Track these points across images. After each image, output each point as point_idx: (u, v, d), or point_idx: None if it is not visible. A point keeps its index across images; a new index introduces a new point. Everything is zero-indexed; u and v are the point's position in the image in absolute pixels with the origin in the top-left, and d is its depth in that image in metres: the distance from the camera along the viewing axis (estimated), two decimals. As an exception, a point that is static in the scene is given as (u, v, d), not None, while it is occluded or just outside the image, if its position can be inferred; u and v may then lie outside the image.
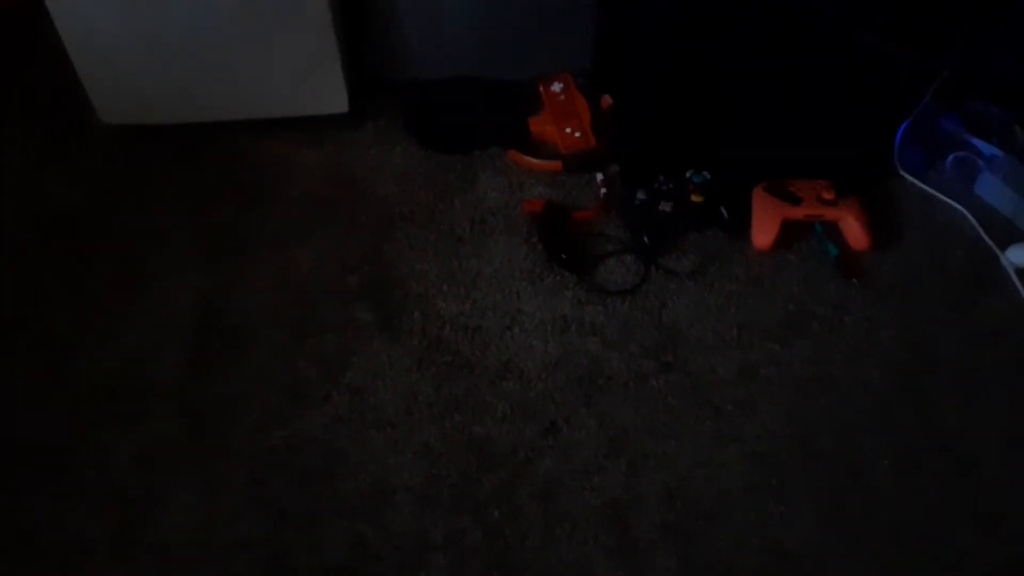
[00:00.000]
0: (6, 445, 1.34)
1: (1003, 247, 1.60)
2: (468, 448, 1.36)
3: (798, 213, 1.59)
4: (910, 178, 1.71)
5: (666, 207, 1.59)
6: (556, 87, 1.76)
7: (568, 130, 1.70)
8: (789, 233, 1.59)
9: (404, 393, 1.43)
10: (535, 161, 1.71)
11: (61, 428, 1.36)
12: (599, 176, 1.67)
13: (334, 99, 1.74)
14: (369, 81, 1.79)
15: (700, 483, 1.33)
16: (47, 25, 1.54)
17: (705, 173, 1.62)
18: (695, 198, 1.60)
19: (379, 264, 1.59)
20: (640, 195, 1.61)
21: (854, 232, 1.59)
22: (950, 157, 1.72)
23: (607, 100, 1.73)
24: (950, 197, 1.67)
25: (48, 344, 1.45)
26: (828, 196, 1.60)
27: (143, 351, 1.44)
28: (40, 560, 1.23)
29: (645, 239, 1.58)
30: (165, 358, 1.44)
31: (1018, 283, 1.55)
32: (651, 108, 1.68)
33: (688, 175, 1.62)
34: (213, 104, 1.71)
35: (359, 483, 1.32)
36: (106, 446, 1.34)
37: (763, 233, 1.59)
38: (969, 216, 1.65)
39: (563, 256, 1.57)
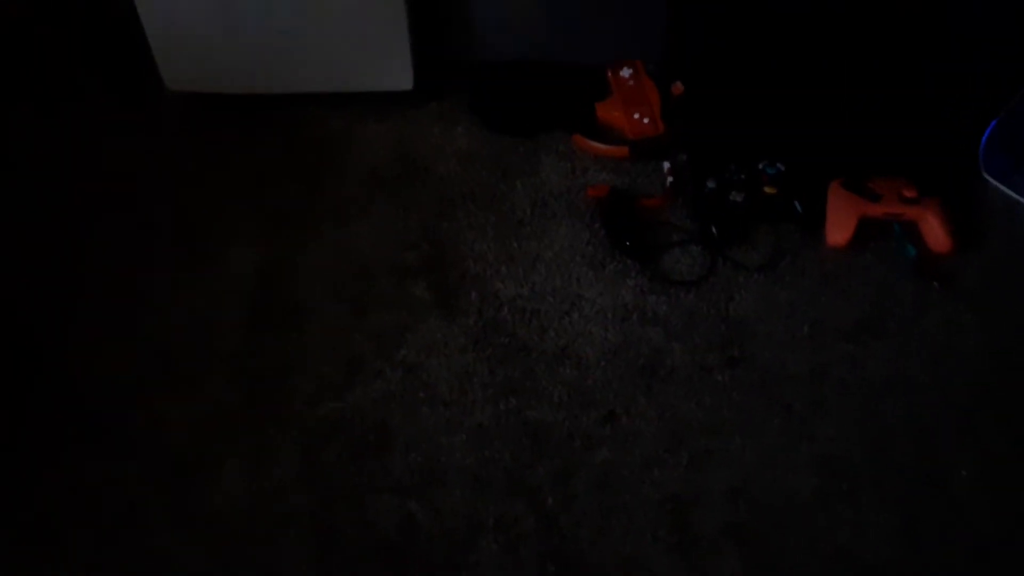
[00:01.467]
0: (65, 406, 1.33)
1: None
2: (523, 432, 1.32)
3: (877, 211, 1.51)
4: (994, 182, 1.63)
5: (737, 197, 1.53)
6: (625, 72, 1.72)
7: (636, 116, 1.66)
8: (865, 231, 1.52)
9: (459, 373, 1.39)
10: (601, 146, 1.66)
11: (118, 391, 1.35)
12: (666, 164, 1.62)
13: (400, 76, 1.72)
14: (435, 60, 1.76)
15: (767, 484, 1.26)
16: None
17: (779, 164, 1.56)
18: (768, 189, 1.54)
19: (438, 243, 1.56)
20: (710, 184, 1.55)
21: (935, 233, 1.51)
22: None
23: (678, 87, 1.68)
24: (1038, 203, 1.58)
25: (109, 308, 1.45)
26: (909, 194, 1.52)
27: (201, 319, 1.43)
28: (92, 521, 1.21)
29: (713, 229, 1.52)
30: (223, 326, 1.42)
31: (1112, 294, 1.46)
32: (724, 95, 1.62)
33: (761, 166, 1.56)
34: (279, 76, 1.70)
35: (410, 461, 1.29)
36: (162, 411, 1.32)
37: (839, 229, 1.52)
38: (1058, 224, 1.56)
39: (627, 243, 1.52)
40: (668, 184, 1.60)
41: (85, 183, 1.61)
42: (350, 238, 1.56)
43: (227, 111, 1.71)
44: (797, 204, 1.54)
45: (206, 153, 1.67)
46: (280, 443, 1.29)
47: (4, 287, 1.46)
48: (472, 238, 1.57)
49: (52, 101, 1.70)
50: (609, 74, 1.72)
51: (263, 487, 1.24)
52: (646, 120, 1.65)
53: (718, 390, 1.37)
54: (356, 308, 1.47)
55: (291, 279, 1.50)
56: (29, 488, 1.25)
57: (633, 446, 1.31)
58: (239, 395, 1.35)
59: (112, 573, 1.17)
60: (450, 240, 1.56)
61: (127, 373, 1.37)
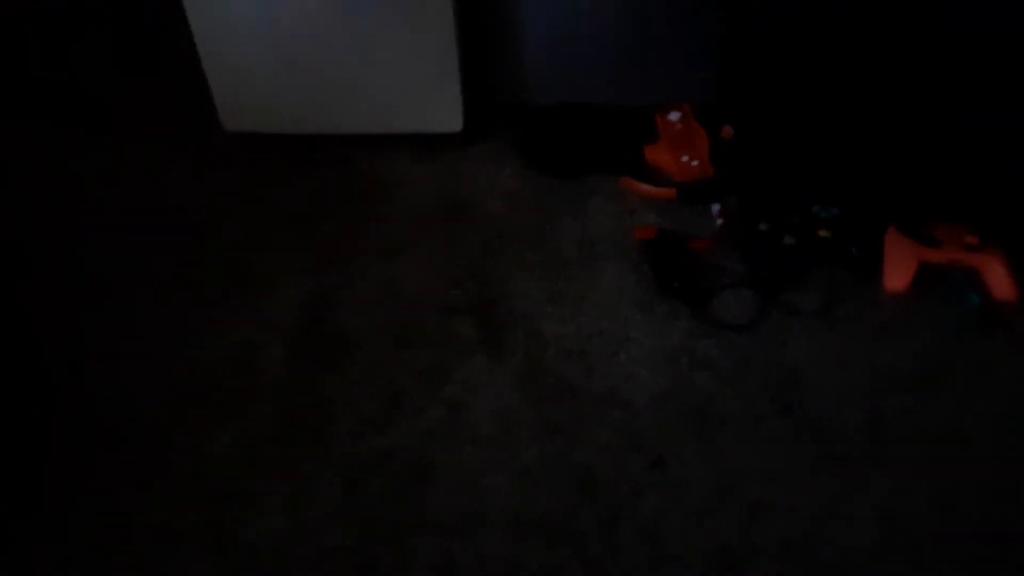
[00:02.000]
0: (107, 431, 1.33)
1: None
2: (568, 475, 1.28)
3: (939, 257, 1.47)
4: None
5: (790, 240, 1.50)
6: (674, 116, 1.72)
7: (685, 159, 1.65)
8: (924, 278, 1.47)
9: (503, 412, 1.36)
10: (649, 187, 1.65)
11: (161, 418, 1.35)
12: (716, 207, 1.60)
13: (449, 118, 1.75)
14: (483, 102, 1.79)
15: (823, 538, 1.20)
16: (183, 32, 1.61)
17: (834, 208, 1.53)
18: (822, 233, 1.51)
19: (483, 281, 1.55)
20: (762, 227, 1.53)
21: (1000, 280, 1.46)
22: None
23: (728, 130, 1.68)
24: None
25: (156, 335, 1.46)
26: (971, 241, 1.48)
27: (246, 349, 1.43)
28: (130, 548, 1.20)
29: (766, 273, 1.49)
30: (267, 358, 1.42)
31: None
32: (777, 139, 1.61)
33: (815, 209, 1.53)
34: (332, 118, 1.74)
35: (452, 500, 1.25)
36: (203, 440, 1.32)
37: (898, 275, 1.47)
38: None
39: (675, 285, 1.49)
40: (718, 227, 1.58)
41: (142, 214, 1.65)
42: (396, 275, 1.57)
43: (279, 151, 1.74)
44: (853, 248, 1.50)
45: (258, 189, 1.70)
46: (321, 476, 1.27)
47: (56, 311, 1.49)
48: (518, 277, 1.56)
49: (115, 138, 1.75)
50: (658, 117, 1.72)
51: (302, 520, 1.22)
52: (694, 163, 1.64)
53: (771, 438, 1.32)
54: (400, 344, 1.46)
55: (336, 313, 1.50)
56: (65, 512, 1.24)
57: (683, 494, 1.26)
58: (281, 426, 1.34)
59: (147, 605, 1.15)
60: (496, 279, 1.56)
61: (171, 399, 1.37)
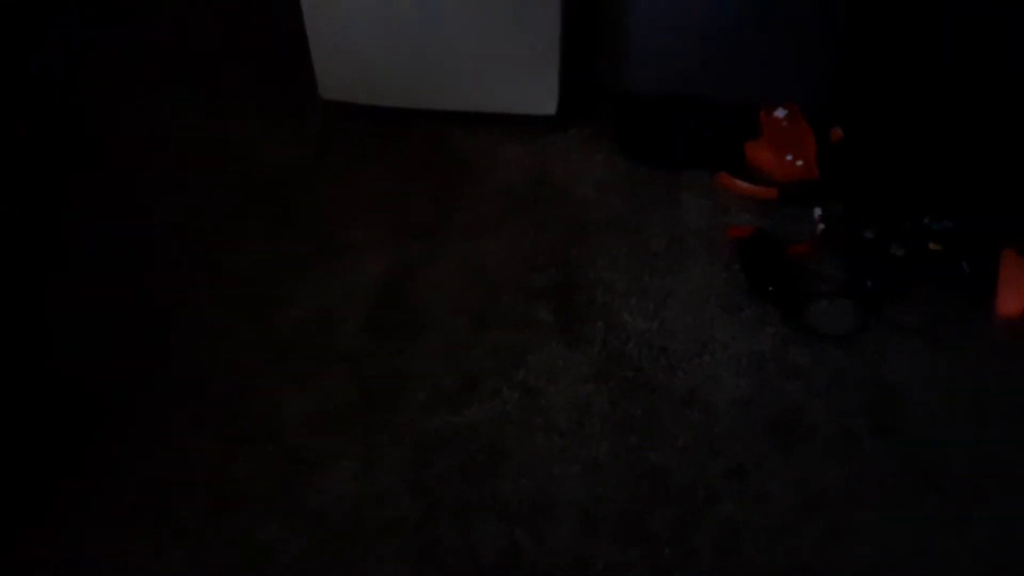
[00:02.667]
0: (189, 387, 1.34)
1: None
2: (642, 474, 1.23)
3: (1061, 282, 1.36)
4: None
5: (898, 251, 1.41)
6: (780, 113, 1.64)
7: (789, 158, 1.57)
8: (1044, 304, 1.36)
9: (578, 402, 1.32)
10: (748, 186, 1.58)
11: (240, 376, 1.35)
12: (818, 211, 1.52)
13: (544, 101, 1.71)
14: (580, 86, 1.74)
15: (916, 569, 1.12)
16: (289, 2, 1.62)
17: (947, 220, 1.43)
18: (933, 246, 1.41)
19: (566, 267, 1.51)
20: (868, 234, 1.44)
21: None
22: None
23: (837, 132, 1.59)
24: None
25: (243, 294, 1.47)
26: (1101, 268, 1.36)
27: (328, 315, 1.43)
28: (200, 502, 1.21)
29: (868, 283, 1.40)
30: (347, 325, 1.42)
31: None
32: (891, 144, 1.51)
33: (926, 220, 1.43)
34: (428, 93, 1.73)
35: (520, 487, 1.22)
36: (279, 402, 1.32)
37: (1012, 299, 1.37)
38: None
39: (769, 288, 1.42)
40: (819, 231, 1.49)
41: (236, 176, 1.67)
42: (479, 254, 1.54)
43: (374, 122, 1.74)
44: (965, 265, 1.40)
45: (350, 160, 1.70)
46: (391, 449, 1.26)
47: (148, 267, 1.52)
48: (602, 266, 1.51)
49: (219, 101, 1.78)
50: (762, 114, 1.65)
51: (370, 491, 1.21)
52: (799, 163, 1.56)
53: (863, 458, 1.24)
54: (478, 323, 1.43)
55: (417, 287, 1.49)
56: (142, 462, 1.26)
57: (762, 506, 1.19)
58: (355, 396, 1.33)
59: (213, 555, 1.15)
60: (579, 266, 1.52)
61: (251, 361, 1.38)
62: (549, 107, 1.71)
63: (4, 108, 1.74)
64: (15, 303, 1.44)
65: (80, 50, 1.85)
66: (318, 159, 1.70)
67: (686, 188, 1.63)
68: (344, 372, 1.36)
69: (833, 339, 1.37)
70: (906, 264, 1.41)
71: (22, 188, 1.62)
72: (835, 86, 1.61)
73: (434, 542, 1.16)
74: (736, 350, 1.38)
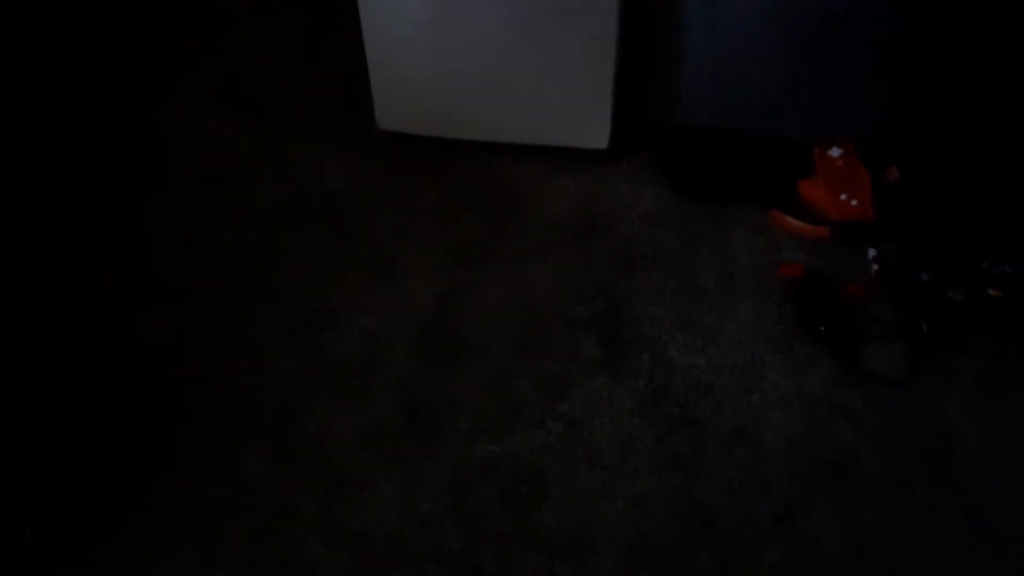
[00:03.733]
0: (237, 401, 1.37)
1: None
2: (687, 512, 1.21)
3: None
4: None
5: (956, 296, 1.38)
6: (834, 152, 1.63)
7: (843, 197, 1.55)
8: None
9: (622, 436, 1.31)
10: (800, 224, 1.57)
11: (289, 396, 1.37)
12: (872, 251, 1.50)
13: (596, 135, 1.72)
14: (632, 120, 1.75)
15: (972, 625, 1.08)
16: (353, 33, 1.67)
17: (1006, 266, 1.39)
18: (992, 292, 1.37)
19: (613, 299, 1.51)
20: (924, 277, 1.41)
21: None
22: None
23: (894, 172, 1.57)
24: None
25: (295, 315, 1.49)
26: None
27: (377, 339, 1.45)
28: (246, 521, 1.22)
29: (924, 327, 1.37)
30: (395, 349, 1.43)
31: None
32: (950, 185, 1.49)
33: (985, 264, 1.40)
34: (482, 125, 1.75)
35: (562, 519, 1.21)
36: (327, 422, 1.33)
37: (1077, 347, 1.32)
38: None
39: (821, 328, 1.40)
40: (873, 272, 1.47)
41: (293, 198, 1.71)
42: (526, 283, 1.55)
43: (427, 151, 1.77)
44: (1026, 312, 1.36)
45: (404, 187, 1.73)
46: (435, 475, 1.26)
47: (206, 287, 1.56)
48: (649, 299, 1.51)
49: (282, 126, 1.83)
50: (816, 152, 1.63)
51: (413, 515, 1.21)
52: (854, 202, 1.54)
53: (916, 506, 1.21)
54: (523, 352, 1.44)
55: (464, 314, 1.50)
56: (190, 480, 1.28)
57: (810, 552, 1.16)
58: (402, 420, 1.34)
59: (256, 575, 1.16)
60: (626, 299, 1.51)
61: (300, 381, 1.40)
62: (601, 141, 1.72)
63: (81, 132, 1.81)
64: (78, 318, 1.49)
65: (159, 77, 1.92)
66: (373, 186, 1.73)
67: (736, 224, 1.62)
68: (391, 396, 1.37)
69: (886, 382, 1.34)
70: (965, 309, 1.37)
71: (96, 206, 1.68)
72: (891, 125, 1.59)
73: (475, 570, 1.15)
74: (786, 390, 1.35)
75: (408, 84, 1.72)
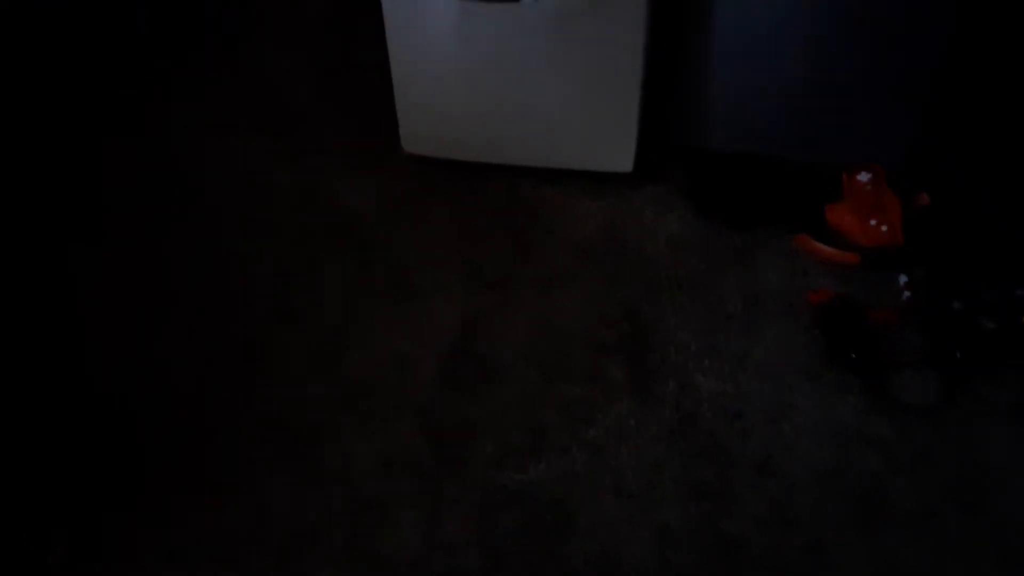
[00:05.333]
0: (260, 425, 1.38)
1: None
2: (714, 542, 1.20)
3: None
4: None
5: (988, 324, 1.36)
6: (863, 177, 1.61)
7: (873, 223, 1.54)
8: None
9: (649, 464, 1.30)
10: (829, 249, 1.55)
11: (313, 420, 1.38)
12: (903, 278, 1.48)
13: (621, 158, 1.72)
14: (657, 144, 1.75)
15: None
16: (379, 57, 1.69)
17: (1042, 294, 1.37)
18: (1026, 320, 1.35)
19: (638, 324, 1.51)
20: (955, 305, 1.39)
21: None
22: None
23: (924, 198, 1.55)
24: None
25: (319, 338, 1.51)
26: None
27: (402, 362, 1.45)
28: (270, 544, 1.23)
29: (957, 355, 1.35)
30: (419, 373, 1.43)
31: None
32: (982, 211, 1.47)
33: (1019, 292, 1.38)
34: (507, 149, 1.76)
35: (587, 549, 1.20)
36: (351, 446, 1.34)
37: (1115, 378, 1.29)
38: None
39: (851, 356, 1.38)
40: (904, 299, 1.45)
41: (317, 221, 1.73)
42: (550, 307, 1.55)
43: (452, 174, 1.78)
44: (1062, 342, 1.34)
45: (428, 210, 1.74)
46: (458, 502, 1.26)
47: (228, 308, 1.57)
48: (675, 324, 1.50)
49: (308, 150, 1.85)
50: (845, 177, 1.62)
51: (436, 542, 1.21)
52: (884, 228, 1.53)
53: (948, 540, 1.19)
54: (548, 377, 1.43)
55: (488, 338, 1.50)
56: (214, 505, 1.28)
57: (840, 585, 1.15)
58: (425, 445, 1.34)
59: (282, 600, 1.17)
60: (652, 324, 1.50)
61: (323, 405, 1.40)
62: (625, 165, 1.72)
63: (104, 153, 1.85)
64: (101, 341, 1.51)
65: (183, 98, 1.96)
66: (397, 209, 1.74)
67: (763, 249, 1.61)
68: (415, 420, 1.37)
69: (918, 411, 1.32)
70: (998, 338, 1.35)
71: (118, 228, 1.71)
72: (920, 150, 1.58)
73: (500, 600, 1.15)
74: (815, 418, 1.34)
75: (433, 108, 1.73)
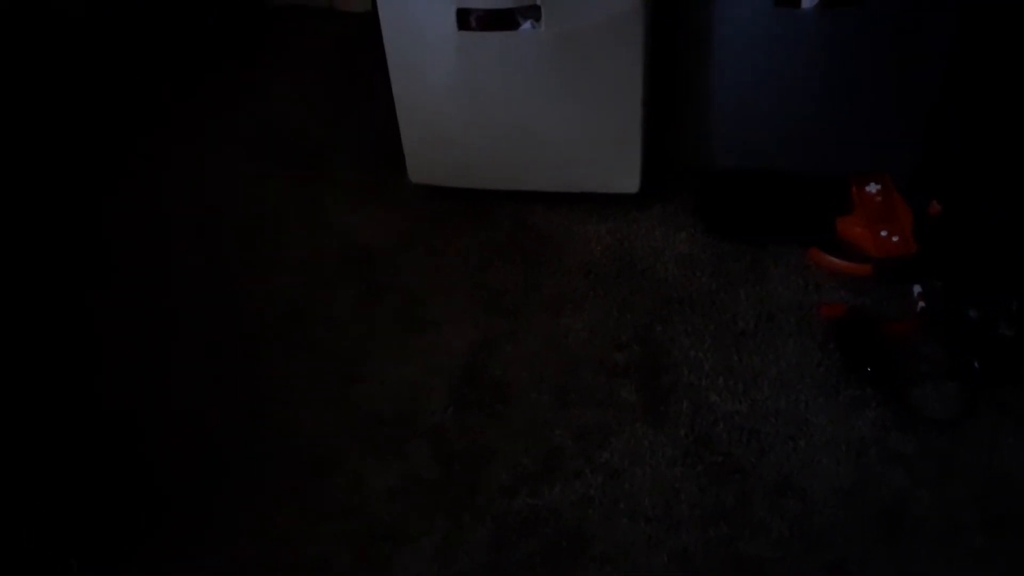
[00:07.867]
0: (271, 455, 1.38)
1: None
2: (734, 566, 1.18)
3: None
4: None
5: (1007, 331, 1.33)
6: (872, 188, 1.60)
7: (884, 233, 1.52)
8: None
9: (664, 486, 1.28)
10: (841, 262, 1.54)
11: (324, 449, 1.39)
12: (917, 288, 1.46)
13: (626, 180, 1.73)
14: (663, 163, 1.75)
15: None
16: (384, 89, 1.72)
17: (1061, 300, 1.34)
18: (1047, 327, 1.32)
19: (650, 345, 1.50)
20: (972, 313, 1.37)
21: None
22: None
23: (936, 207, 1.53)
24: None
25: (329, 367, 1.51)
26: None
27: (413, 389, 1.45)
28: (279, 573, 1.23)
29: (975, 365, 1.32)
30: (431, 400, 1.43)
31: None
32: (995, 217, 1.45)
33: (1038, 299, 1.35)
34: (514, 175, 1.77)
35: (604, 574, 1.19)
36: (362, 475, 1.34)
37: None
38: None
39: (868, 369, 1.36)
40: (919, 310, 1.43)
41: (326, 251, 1.74)
42: (561, 331, 1.54)
43: (459, 202, 1.79)
44: (1085, 348, 1.31)
45: (436, 238, 1.75)
46: (472, 529, 1.25)
47: (239, 339, 1.59)
48: (687, 344, 1.49)
49: (316, 179, 1.88)
50: (854, 188, 1.61)
51: (450, 571, 1.20)
52: (895, 238, 1.51)
53: (975, 554, 1.15)
54: (560, 401, 1.42)
55: (500, 363, 1.50)
56: (224, 535, 1.29)
57: (866, 606, 1.12)
58: (437, 472, 1.33)
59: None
60: (664, 344, 1.49)
61: (335, 434, 1.40)
62: (631, 186, 1.73)
63: (113, 186, 1.88)
64: (111, 372, 1.53)
65: (191, 132, 2.00)
66: (405, 239, 1.76)
67: (774, 264, 1.59)
68: (427, 447, 1.37)
69: (939, 424, 1.29)
70: (1016, 345, 1.32)
71: (127, 261, 1.74)
72: (929, 158, 1.56)
73: (515, 631, 1.13)
74: (833, 435, 1.31)
75: (438, 139, 1.75)
